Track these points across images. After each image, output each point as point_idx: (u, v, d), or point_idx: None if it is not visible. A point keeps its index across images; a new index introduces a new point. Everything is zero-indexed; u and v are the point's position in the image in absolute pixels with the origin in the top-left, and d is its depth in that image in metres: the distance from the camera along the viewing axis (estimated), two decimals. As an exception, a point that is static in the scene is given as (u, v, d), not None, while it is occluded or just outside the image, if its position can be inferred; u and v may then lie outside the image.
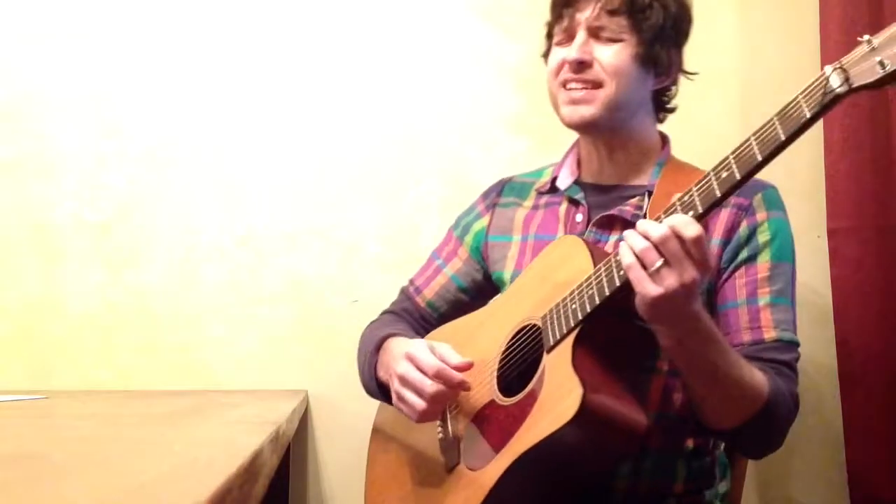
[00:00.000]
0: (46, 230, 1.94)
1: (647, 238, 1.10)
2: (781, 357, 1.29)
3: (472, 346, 1.38)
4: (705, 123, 1.83)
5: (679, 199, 1.14)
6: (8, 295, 1.93)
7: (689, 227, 1.09)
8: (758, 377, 1.22)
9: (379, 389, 1.46)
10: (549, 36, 1.45)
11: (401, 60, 1.97)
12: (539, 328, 1.28)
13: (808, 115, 1.02)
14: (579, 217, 1.43)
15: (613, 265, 1.16)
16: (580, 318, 1.20)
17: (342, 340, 1.89)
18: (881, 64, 0.97)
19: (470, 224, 1.59)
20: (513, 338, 1.33)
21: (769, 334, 1.30)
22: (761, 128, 1.06)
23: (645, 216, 1.33)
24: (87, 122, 1.95)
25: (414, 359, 1.31)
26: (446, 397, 1.31)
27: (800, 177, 1.81)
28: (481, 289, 1.56)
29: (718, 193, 1.10)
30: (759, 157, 1.06)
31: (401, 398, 1.33)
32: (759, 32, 1.93)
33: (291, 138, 1.96)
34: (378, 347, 1.47)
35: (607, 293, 1.17)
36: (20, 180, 1.94)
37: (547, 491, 1.22)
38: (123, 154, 1.96)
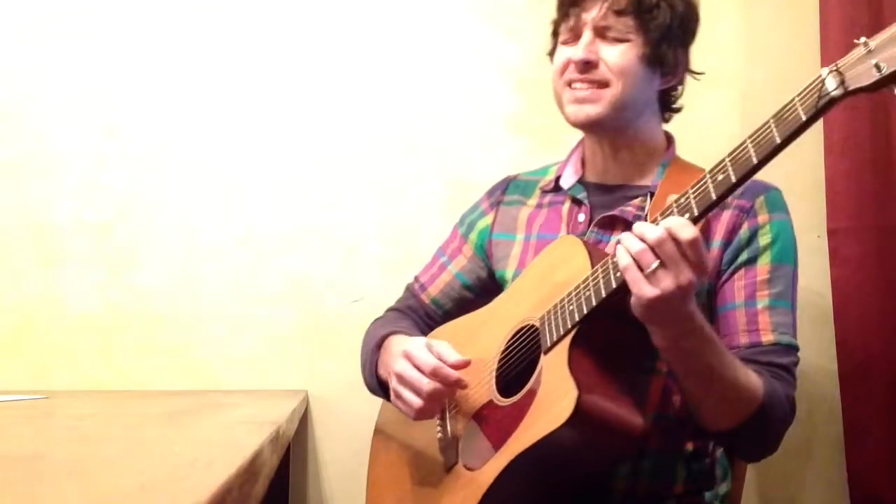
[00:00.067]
0: (46, 230, 1.94)
1: (643, 240, 1.10)
2: (779, 360, 1.28)
3: (473, 345, 1.38)
4: (706, 123, 1.82)
5: (675, 202, 1.13)
6: (8, 295, 1.93)
7: (685, 229, 1.08)
8: (753, 379, 1.21)
9: (380, 387, 1.46)
10: (555, 34, 1.44)
11: (401, 60, 1.97)
12: (537, 329, 1.28)
13: (804, 119, 1.02)
14: (581, 217, 1.43)
15: (610, 267, 1.16)
16: (577, 319, 1.20)
17: (342, 340, 1.89)
18: (877, 67, 0.96)
19: (474, 222, 1.59)
20: (512, 338, 1.33)
21: (767, 337, 1.30)
22: (757, 130, 1.06)
23: (646, 217, 1.33)
24: (87, 122, 1.95)
25: (411, 357, 1.31)
26: (443, 395, 1.31)
27: (800, 177, 1.81)
28: (486, 286, 1.56)
29: (714, 196, 1.09)
30: (755, 160, 1.06)
31: (398, 396, 1.33)
32: (759, 32, 1.93)
33: (291, 138, 1.96)
34: (379, 346, 1.48)
35: (604, 295, 1.17)
36: (20, 180, 1.94)
37: (544, 492, 1.22)
38: (123, 154, 1.96)
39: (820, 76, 1.01)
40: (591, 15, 1.36)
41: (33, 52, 1.95)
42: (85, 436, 1.17)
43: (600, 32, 1.36)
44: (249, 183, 1.96)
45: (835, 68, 1.00)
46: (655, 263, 1.09)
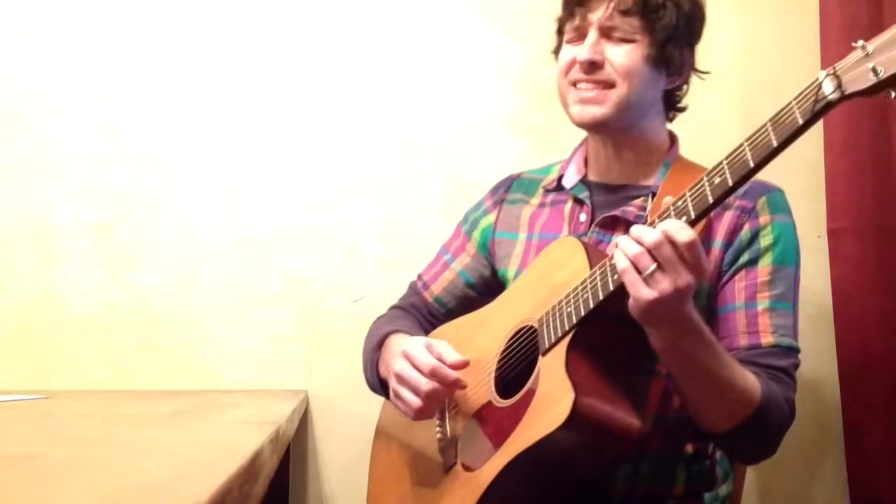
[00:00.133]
0: (46, 230, 1.94)
1: (640, 243, 1.10)
2: (778, 363, 1.28)
3: (473, 345, 1.38)
4: (706, 123, 1.82)
5: (673, 204, 1.13)
6: (8, 295, 1.93)
7: (682, 232, 1.08)
8: (751, 381, 1.21)
9: (381, 386, 1.46)
10: (560, 32, 1.44)
11: (401, 60, 1.97)
12: (536, 330, 1.28)
13: (801, 122, 1.01)
14: (583, 217, 1.42)
15: (608, 269, 1.16)
16: (574, 321, 1.19)
17: (342, 340, 1.90)
18: (874, 71, 0.95)
19: (478, 220, 1.59)
20: (511, 338, 1.33)
21: (767, 339, 1.29)
22: (755, 133, 1.06)
23: (647, 217, 1.32)
24: (87, 122, 1.95)
25: (410, 357, 1.31)
26: (442, 395, 1.31)
27: (800, 177, 1.81)
28: (489, 284, 1.56)
29: (711, 199, 1.09)
30: (752, 164, 1.05)
31: (397, 396, 1.33)
32: (759, 32, 1.93)
33: (292, 138, 1.96)
34: (380, 344, 1.48)
35: (601, 297, 1.16)
36: (20, 180, 1.94)
37: (542, 492, 1.22)
38: (123, 154, 1.96)
39: (817, 79, 1.00)
40: (597, 15, 1.35)
41: (33, 52, 1.95)
42: (85, 436, 1.17)
43: (606, 32, 1.35)
44: (249, 183, 1.96)
45: (832, 72, 0.99)
46: (653, 266, 1.09)
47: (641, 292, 1.10)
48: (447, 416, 1.38)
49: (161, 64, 1.96)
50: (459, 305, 1.58)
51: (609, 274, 1.16)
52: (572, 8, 1.39)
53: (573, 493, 1.26)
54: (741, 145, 1.07)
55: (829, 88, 0.99)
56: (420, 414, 1.31)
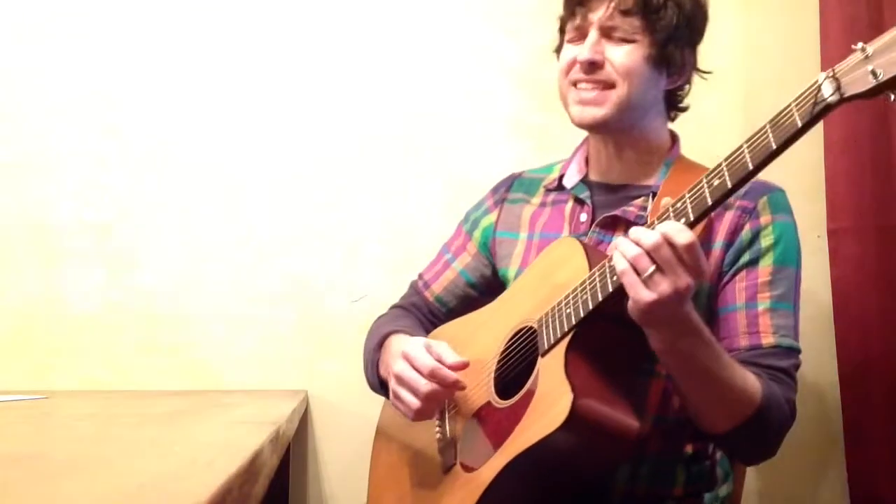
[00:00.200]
0: (46, 230, 1.94)
1: (638, 245, 1.09)
2: (779, 363, 1.27)
3: (473, 345, 1.38)
4: (706, 123, 1.82)
5: (672, 206, 1.13)
6: (8, 295, 1.93)
7: (681, 234, 1.08)
8: (751, 381, 1.21)
9: (381, 387, 1.46)
10: (562, 31, 1.44)
11: (401, 60, 1.97)
12: (535, 330, 1.27)
13: (800, 125, 1.01)
14: (584, 217, 1.42)
15: (607, 270, 1.16)
16: (574, 322, 1.19)
17: (342, 340, 1.90)
18: (873, 73, 0.95)
19: (479, 219, 1.59)
20: (511, 339, 1.33)
21: (767, 340, 1.28)
22: (754, 135, 1.05)
23: (647, 218, 1.32)
24: (87, 122, 1.95)
25: (410, 358, 1.31)
26: (441, 396, 1.31)
27: (800, 177, 1.81)
28: (490, 284, 1.56)
29: (710, 201, 1.09)
30: (751, 166, 1.05)
31: (397, 397, 1.33)
32: (760, 32, 1.93)
33: (292, 138, 1.96)
34: (380, 345, 1.48)
35: (600, 298, 1.16)
36: (20, 180, 1.94)
37: (542, 493, 1.22)
38: (123, 154, 1.96)
39: (816, 82, 1.00)
40: (598, 15, 1.34)
41: (33, 52, 1.95)
42: (85, 436, 1.17)
43: (606, 32, 1.35)
44: (249, 183, 1.96)
45: (832, 74, 0.99)
46: (652, 268, 1.08)
47: (641, 294, 1.09)
48: (447, 416, 1.38)
49: (161, 64, 1.96)
50: (460, 305, 1.57)
51: (608, 275, 1.16)
52: (573, 7, 1.38)
53: (573, 493, 1.26)
54: (740, 147, 1.07)
55: (828, 91, 0.99)
56: (419, 415, 1.31)
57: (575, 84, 1.37)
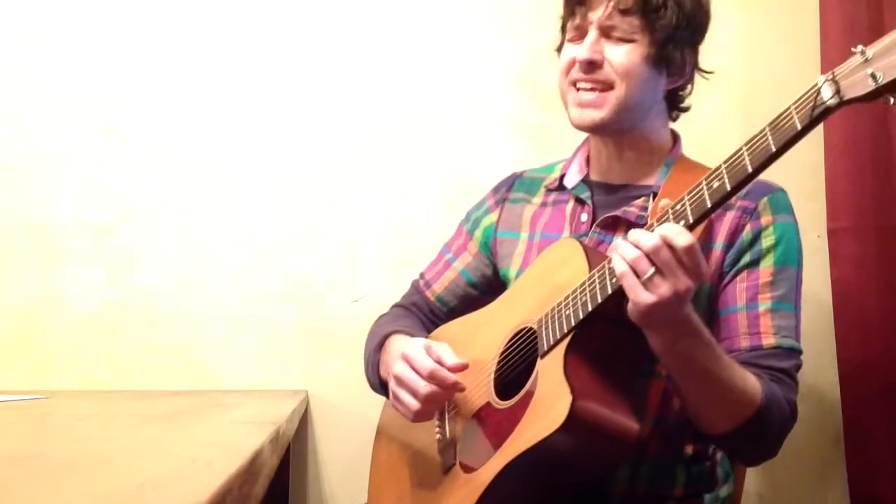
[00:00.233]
0: (46, 230, 1.94)
1: (638, 247, 1.09)
2: (780, 364, 1.27)
3: (473, 346, 1.38)
4: (706, 123, 1.82)
5: (671, 208, 1.13)
6: (8, 295, 1.93)
7: (680, 236, 1.08)
8: (751, 382, 1.20)
9: (382, 387, 1.46)
10: (564, 30, 1.43)
11: (401, 60, 1.97)
12: (535, 331, 1.27)
13: (799, 128, 1.00)
14: (584, 217, 1.42)
15: (607, 272, 1.16)
16: (573, 324, 1.19)
17: (342, 340, 1.90)
18: (873, 77, 0.94)
19: (480, 219, 1.59)
20: (510, 340, 1.33)
21: (768, 341, 1.28)
22: (753, 138, 1.05)
23: (647, 218, 1.32)
24: (87, 122, 1.95)
25: (409, 359, 1.31)
26: (441, 398, 1.31)
27: (800, 177, 1.81)
28: (491, 284, 1.55)
29: (709, 204, 1.09)
30: (750, 169, 1.05)
31: (396, 398, 1.33)
32: (759, 32, 1.93)
33: (292, 138, 1.96)
34: (380, 346, 1.47)
35: (600, 300, 1.16)
36: (20, 180, 1.94)
37: (541, 494, 1.22)
38: (123, 154, 1.96)
39: (816, 84, 1.00)
40: (597, 14, 1.34)
41: (33, 52, 1.95)
42: (85, 436, 1.17)
43: (606, 32, 1.35)
44: (249, 183, 1.96)
45: (831, 77, 0.99)
46: (651, 270, 1.08)
47: (640, 296, 1.09)
48: (447, 416, 1.38)
49: (161, 64, 1.96)
50: (461, 304, 1.57)
51: (608, 277, 1.15)
52: (573, 7, 1.38)
53: (572, 494, 1.26)
54: (740, 150, 1.06)
55: (827, 94, 0.98)
56: (419, 416, 1.31)
57: (574, 84, 1.37)
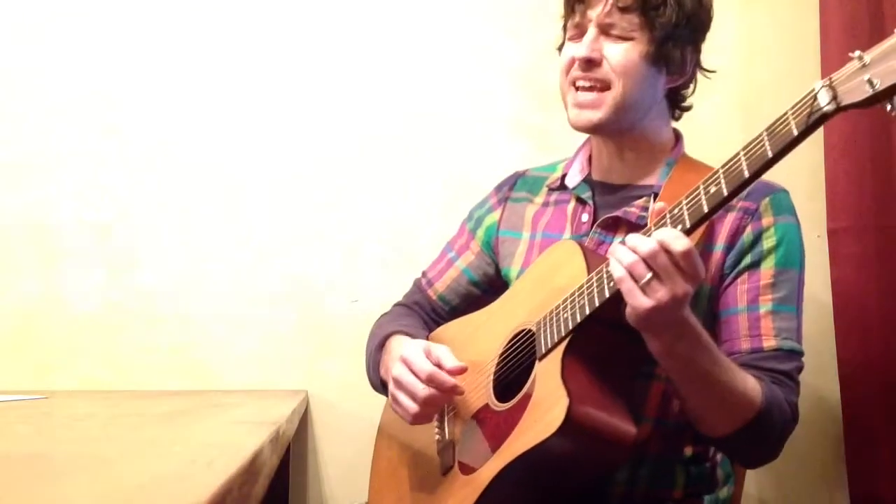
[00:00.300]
0: (46, 230, 1.94)
1: (635, 252, 1.09)
2: (781, 367, 1.26)
3: (472, 347, 1.38)
4: (706, 124, 1.82)
5: (669, 212, 1.12)
6: (8, 295, 1.93)
7: (678, 241, 1.07)
8: (751, 385, 1.20)
9: (383, 388, 1.46)
10: (565, 28, 1.43)
11: (401, 60, 1.97)
12: (534, 333, 1.27)
13: (796, 133, 1.00)
14: (585, 217, 1.41)
15: (605, 275, 1.15)
16: (570, 327, 1.19)
17: (342, 340, 1.90)
18: (870, 82, 0.93)
19: (482, 218, 1.58)
20: (509, 342, 1.32)
21: (769, 343, 1.27)
22: (750, 143, 1.04)
23: (648, 219, 1.32)
24: (87, 122, 1.95)
25: (408, 362, 1.31)
26: (439, 401, 1.30)
27: (800, 177, 1.81)
28: (493, 283, 1.55)
29: (706, 209, 1.08)
30: (747, 174, 1.04)
31: (395, 400, 1.33)
32: (759, 32, 1.93)
33: (292, 138, 1.96)
34: (381, 346, 1.47)
35: (597, 303, 1.16)
36: (20, 180, 1.94)
37: (540, 495, 1.22)
38: (123, 154, 1.96)
39: (813, 90, 0.99)
40: (596, 12, 1.33)
41: (33, 52, 1.95)
42: (85, 436, 1.17)
43: (605, 30, 1.34)
44: (249, 183, 1.96)
45: (828, 83, 0.98)
46: (649, 275, 1.08)
47: (638, 300, 1.09)
48: (446, 418, 1.38)
49: (161, 64, 1.96)
50: (463, 303, 1.57)
51: (606, 281, 1.15)
52: (573, 4, 1.37)
53: (571, 495, 1.25)
54: (737, 154, 1.06)
55: (824, 100, 0.98)
56: (417, 419, 1.31)
57: (574, 83, 1.37)
